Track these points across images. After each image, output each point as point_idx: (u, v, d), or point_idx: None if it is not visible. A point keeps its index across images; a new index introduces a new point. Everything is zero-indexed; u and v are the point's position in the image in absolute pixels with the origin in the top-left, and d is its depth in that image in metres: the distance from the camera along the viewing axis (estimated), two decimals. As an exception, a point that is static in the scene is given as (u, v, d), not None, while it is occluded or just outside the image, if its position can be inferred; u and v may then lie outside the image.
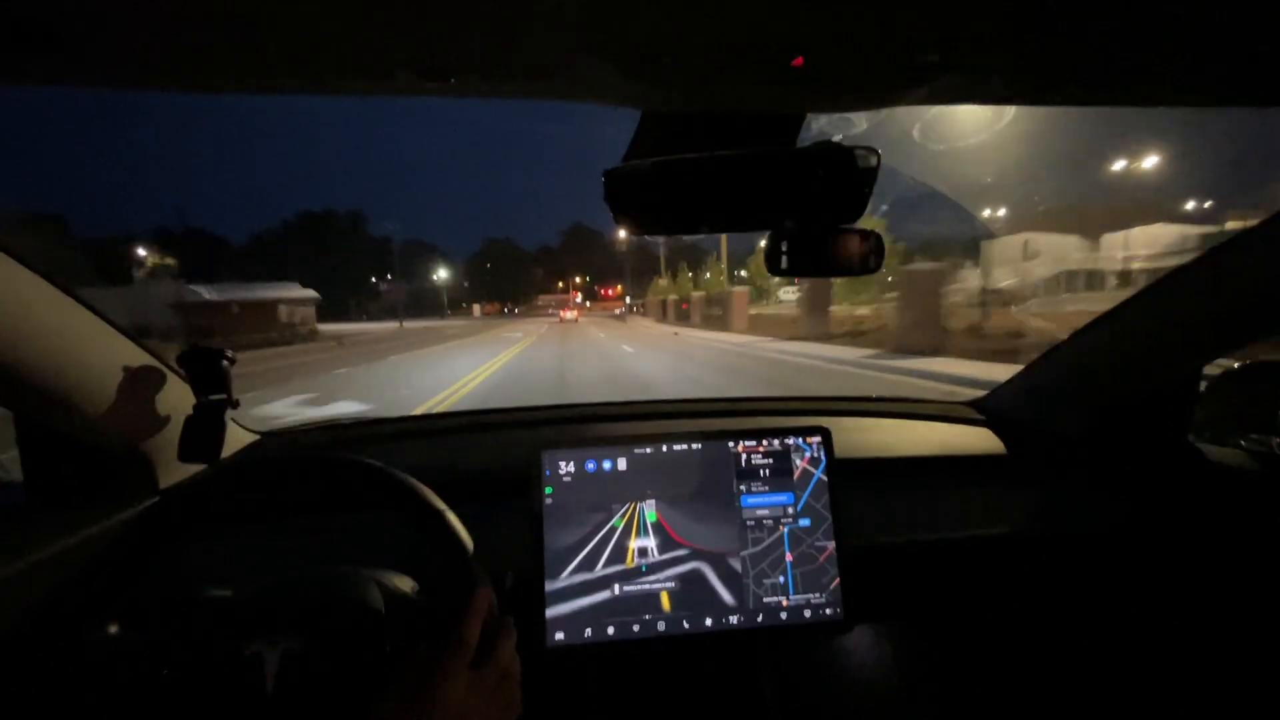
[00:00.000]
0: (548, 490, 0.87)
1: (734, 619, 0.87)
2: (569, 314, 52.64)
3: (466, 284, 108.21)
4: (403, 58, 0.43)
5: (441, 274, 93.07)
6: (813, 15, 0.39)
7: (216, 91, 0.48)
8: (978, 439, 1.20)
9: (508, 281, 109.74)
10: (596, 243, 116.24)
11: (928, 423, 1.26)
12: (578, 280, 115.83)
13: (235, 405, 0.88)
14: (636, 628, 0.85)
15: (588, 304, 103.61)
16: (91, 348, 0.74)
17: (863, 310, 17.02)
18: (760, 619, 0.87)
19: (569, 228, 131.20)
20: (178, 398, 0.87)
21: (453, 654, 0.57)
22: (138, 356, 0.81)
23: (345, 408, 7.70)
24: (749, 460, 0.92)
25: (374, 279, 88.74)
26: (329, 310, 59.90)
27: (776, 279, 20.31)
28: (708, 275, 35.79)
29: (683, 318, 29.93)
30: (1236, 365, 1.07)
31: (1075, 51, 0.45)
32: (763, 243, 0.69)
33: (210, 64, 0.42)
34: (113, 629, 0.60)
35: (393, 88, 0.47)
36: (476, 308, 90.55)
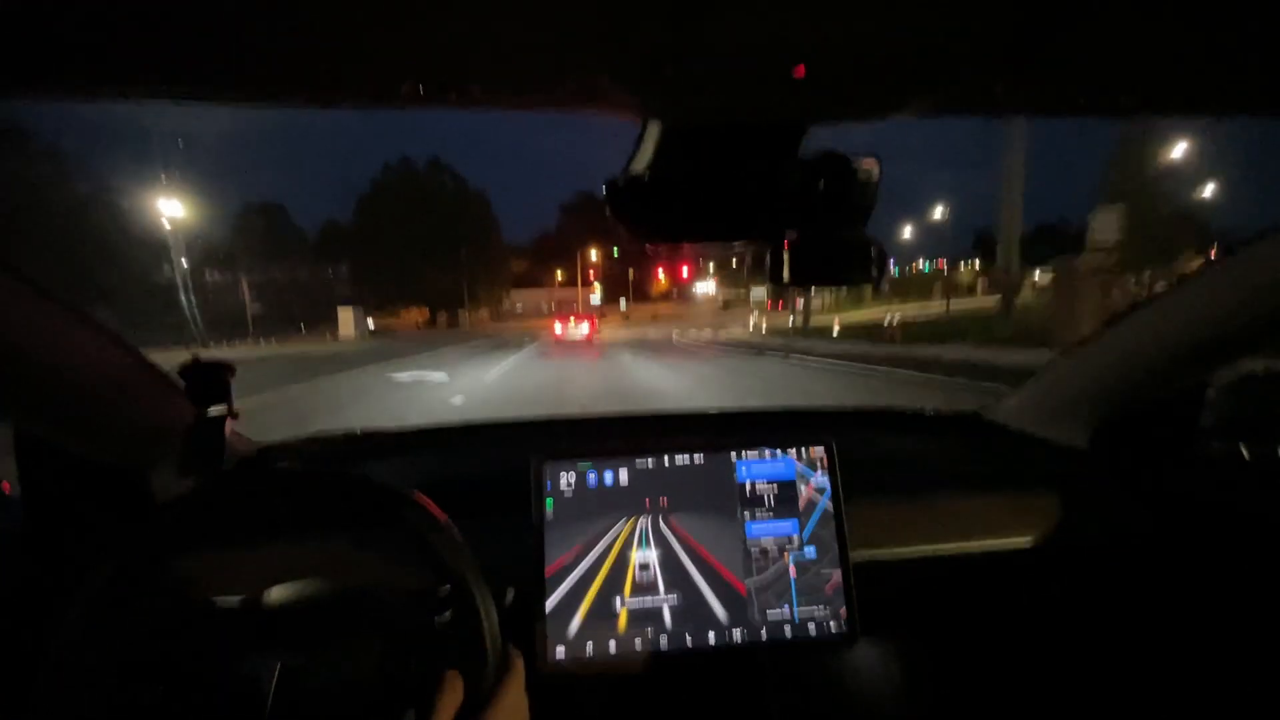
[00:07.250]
0: (548, 503, 0.86)
1: (738, 635, 0.85)
2: (574, 329, 25.37)
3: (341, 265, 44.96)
4: (405, 73, 0.43)
5: (168, 212, 24.48)
6: (814, 24, 0.39)
7: (207, 101, 0.48)
8: (983, 450, 1.18)
9: (442, 251, 44.73)
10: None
11: (933, 434, 1.24)
12: (594, 259, 55.69)
13: (235, 417, 0.88)
14: (639, 644, 0.84)
15: (621, 303, 53.90)
16: (90, 358, 0.74)
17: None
18: (764, 634, 0.86)
19: (571, 200, 73.90)
20: (178, 410, 0.87)
21: (513, 674, 0.60)
22: (138, 368, 0.81)
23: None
24: (751, 470, 0.91)
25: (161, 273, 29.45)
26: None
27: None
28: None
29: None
30: (1242, 374, 1.05)
31: (1083, 61, 0.45)
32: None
33: (202, 75, 0.42)
34: (108, 646, 0.60)
35: (392, 102, 0.47)
36: (347, 316, 37.08)
